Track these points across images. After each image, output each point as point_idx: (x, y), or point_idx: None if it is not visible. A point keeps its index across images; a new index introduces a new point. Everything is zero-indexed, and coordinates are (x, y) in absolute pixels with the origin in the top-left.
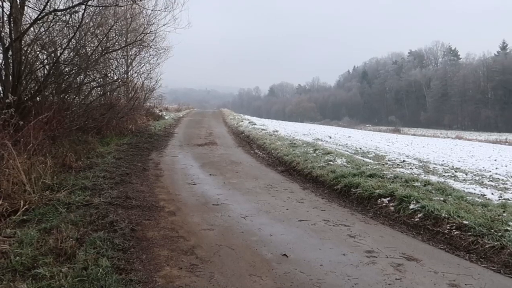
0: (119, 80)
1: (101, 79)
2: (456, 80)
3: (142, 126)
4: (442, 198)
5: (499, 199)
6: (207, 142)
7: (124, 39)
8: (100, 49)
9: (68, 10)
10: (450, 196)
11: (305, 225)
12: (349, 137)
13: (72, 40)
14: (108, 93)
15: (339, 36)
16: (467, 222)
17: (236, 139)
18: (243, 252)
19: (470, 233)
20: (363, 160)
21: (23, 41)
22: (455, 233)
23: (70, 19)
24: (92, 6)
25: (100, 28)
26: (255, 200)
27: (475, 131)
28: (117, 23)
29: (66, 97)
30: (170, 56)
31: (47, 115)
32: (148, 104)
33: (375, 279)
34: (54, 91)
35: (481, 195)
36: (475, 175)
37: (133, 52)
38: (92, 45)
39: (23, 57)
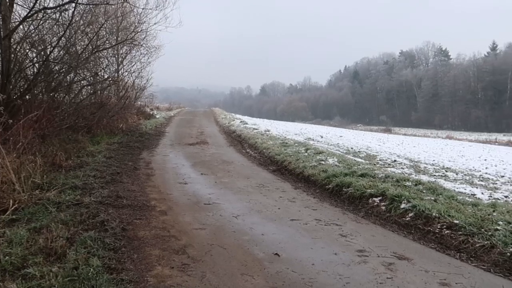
0: (110, 79)
1: (91, 78)
2: (447, 80)
3: (133, 125)
4: (433, 198)
5: (489, 199)
6: (199, 141)
7: (115, 37)
8: (91, 47)
9: (58, 8)
10: (440, 196)
11: (297, 225)
12: (341, 136)
13: (62, 38)
14: (99, 92)
15: (330, 36)
16: (457, 222)
17: (228, 138)
18: (235, 251)
19: (460, 232)
20: (355, 160)
21: (12, 39)
22: (446, 232)
23: (60, 17)
24: (82, 4)
25: (91, 27)
26: (246, 200)
27: (465, 131)
28: (108, 22)
29: (56, 95)
30: (161, 55)
31: (37, 114)
32: (139, 103)
33: (366, 278)
34: (44, 90)
35: (472, 194)
36: (465, 174)
37: (124, 51)
38: (83, 43)
39: (12, 55)
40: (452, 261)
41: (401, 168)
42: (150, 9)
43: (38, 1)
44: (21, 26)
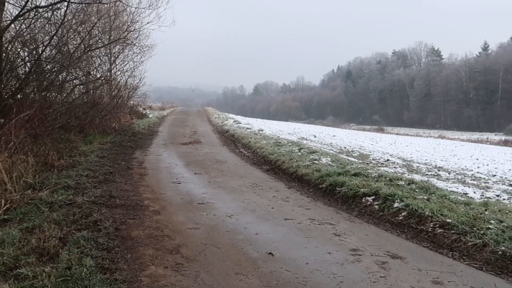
0: (102, 78)
1: (84, 77)
2: (439, 80)
3: (126, 124)
4: (425, 197)
5: (481, 198)
6: (192, 141)
7: (108, 36)
8: (83, 46)
9: (50, 6)
10: (433, 195)
11: (290, 224)
12: (334, 136)
13: (54, 37)
14: (91, 91)
15: (324, 36)
16: (450, 221)
17: (221, 138)
18: (229, 251)
19: (453, 231)
20: (348, 159)
21: (3, 38)
22: (439, 231)
23: (52, 16)
24: (75, 2)
25: (83, 26)
26: (240, 199)
27: (458, 130)
28: (100, 21)
29: (48, 95)
30: (154, 54)
31: (29, 113)
32: (132, 102)
33: (360, 277)
34: (35, 89)
35: (464, 193)
36: (457, 174)
37: (116, 50)
38: (75, 42)
39: (4, 54)
40: (445, 260)
41: (394, 167)
42: (143, 8)
43: (30, 0)
44: (12, 25)
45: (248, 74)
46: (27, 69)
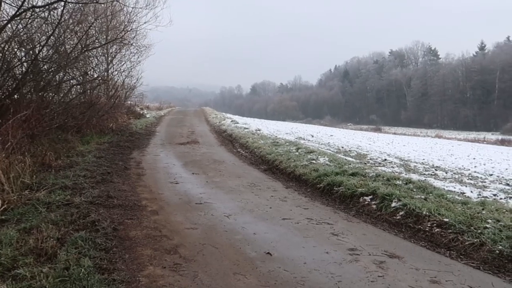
0: (100, 78)
1: (81, 77)
2: (436, 79)
3: (123, 124)
4: (423, 196)
5: (478, 197)
6: (189, 141)
7: (105, 36)
8: (80, 46)
9: (47, 6)
10: (431, 194)
11: (288, 224)
12: (331, 136)
13: (51, 37)
14: (88, 91)
15: (321, 36)
16: (447, 220)
17: (219, 137)
18: (227, 251)
19: (450, 231)
20: (345, 159)
21: (0, 38)
22: (436, 230)
23: (49, 16)
24: (72, 2)
25: (80, 26)
26: (238, 199)
27: (454, 130)
28: (97, 21)
29: (45, 95)
30: (152, 54)
31: (26, 113)
32: (129, 102)
33: (358, 277)
34: (32, 89)
35: (461, 193)
36: (454, 173)
37: (113, 50)
38: (72, 42)
39: (0, 54)
40: (442, 259)
41: (392, 167)
42: (140, 8)
43: (26, 0)
44: (9, 25)
45: (245, 74)
46: (24, 69)
